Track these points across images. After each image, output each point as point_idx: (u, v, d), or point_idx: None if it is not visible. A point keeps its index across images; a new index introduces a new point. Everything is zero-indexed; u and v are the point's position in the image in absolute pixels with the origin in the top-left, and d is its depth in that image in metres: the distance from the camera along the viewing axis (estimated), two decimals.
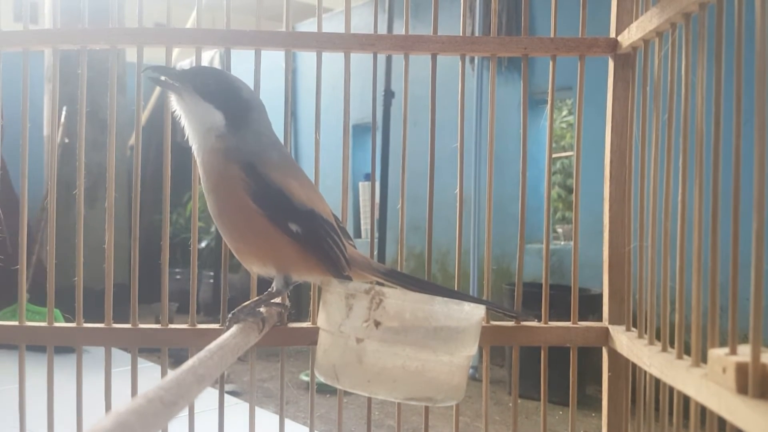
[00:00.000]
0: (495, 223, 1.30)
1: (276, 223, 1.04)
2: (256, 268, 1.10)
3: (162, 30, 1.26)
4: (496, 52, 1.27)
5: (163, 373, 1.23)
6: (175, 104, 1.10)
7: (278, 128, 1.15)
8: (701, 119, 0.87)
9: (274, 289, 1.10)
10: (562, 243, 4.43)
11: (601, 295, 1.29)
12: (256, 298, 1.11)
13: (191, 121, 1.08)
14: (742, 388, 0.72)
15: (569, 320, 1.26)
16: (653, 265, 1.04)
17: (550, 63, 1.28)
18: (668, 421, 0.98)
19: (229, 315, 1.06)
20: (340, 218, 1.27)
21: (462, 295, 1.10)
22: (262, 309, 1.10)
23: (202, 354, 0.78)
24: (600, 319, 1.28)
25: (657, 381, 0.98)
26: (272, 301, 1.13)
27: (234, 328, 0.97)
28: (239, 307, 1.07)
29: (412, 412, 2.85)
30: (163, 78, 1.07)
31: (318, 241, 1.06)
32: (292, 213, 1.04)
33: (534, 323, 1.26)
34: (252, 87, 1.27)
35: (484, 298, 1.22)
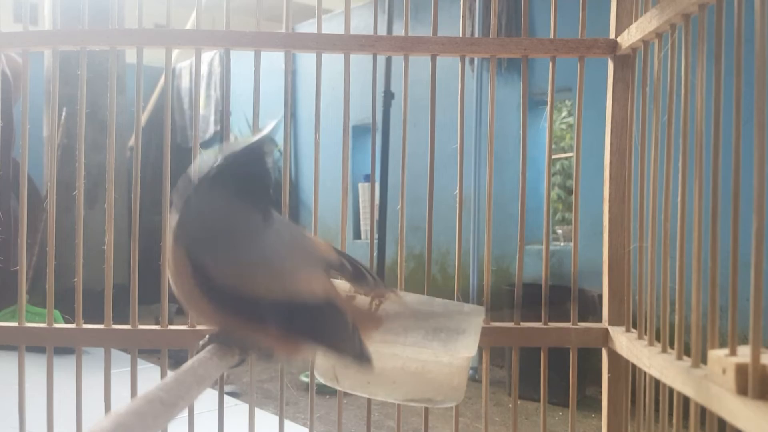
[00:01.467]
0: (495, 223, 1.30)
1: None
2: None
3: (162, 31, 1.26)
4: (496, 53, 1.27)
5: (163, 374, 1.23)
6: None
7: (278, 130, 1.14)
8: (701, 120, 0.87)
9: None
10: (562, 244, 4.43)
11: (600, 296, 1.29)
12: None
13: None
14: (742, 389, 0.72)
15: (569, 321, 1.26)
16: (653, 266, 1.04)
17: (550, 64, 1.28)
18: (668, 422, 0.98)
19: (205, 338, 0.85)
20: (340, 220, 1.26)
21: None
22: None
23: (201, 355, 0.77)
24: (600, 320, 1.28)
25: (657, 382, 0.98)
26: None
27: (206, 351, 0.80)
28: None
29: (412, 413, 2.84)
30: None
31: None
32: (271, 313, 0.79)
33: (534, 324, 1.26)
34: (252, 88, 1.27)
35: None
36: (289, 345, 0.82)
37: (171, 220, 0.81)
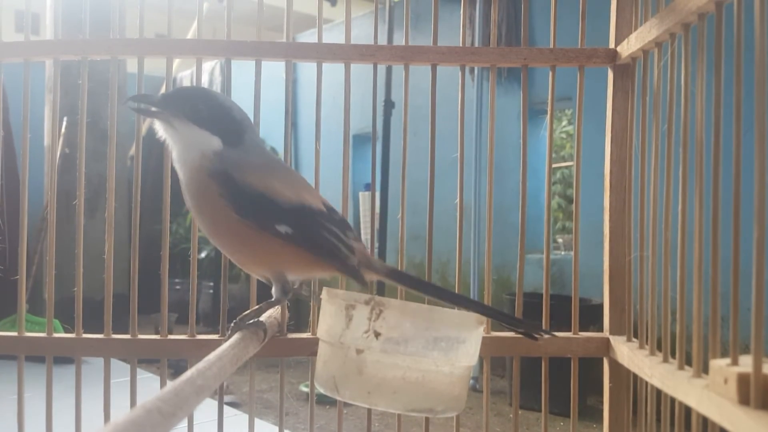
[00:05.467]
0: (495, 232, 1.30)
1: (264, 228, 1.01)
2: (261, 275, 1.10)
3: (163, 41, 1.26)
4: (496, 62, 1.27)
5: (162, 384, 1.23)
6: (162, 131, 1.05)
7: (279, 138, 1.15)
8: (701, 129, 0.87)
9: (273, 297, 1.09)
10: (563, 253, 4.43)
11: (601, 306, 1.28)
12: (256, 307, 1.10)
13: (184, 148, 1.04)
14: (743, 399, 0.71)
15: (570, 330, 1.26)
16: (654, 275, 1.03)
17: (550, 73, 1.29)
18: None
19: (231, 324, 1.05)
20: None
21: (468, 301, 1.10)
22: (263, 318, 1.09)
23: (201, 365, 0.77)
24: (601, 329, 1.28)
25: (658, 392, 0.98)
26: (271, 310, 1.13)
27: (234, 338, 0.96)
28: (241, 316, 1.07)
29: (413, 423, 2.83)
30: (153, 109, 1.03)
31: (312, 236, 1.03)
32: (278, 214, 1.02)
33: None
34: (252, 98, 1.27)
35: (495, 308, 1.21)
36: (301, 256, 1.02)
37: (201, 171, 1.02)
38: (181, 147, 1.04)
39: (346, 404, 1.10)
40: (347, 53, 1.26)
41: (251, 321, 1.06)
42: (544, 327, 1.26)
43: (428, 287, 1.09)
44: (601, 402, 1.26)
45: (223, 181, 1.00)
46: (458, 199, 1.27)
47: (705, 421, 0.81)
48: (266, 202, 1.01)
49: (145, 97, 1.04)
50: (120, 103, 1.16)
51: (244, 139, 1.05)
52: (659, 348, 1.01)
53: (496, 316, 1.11)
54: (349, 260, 1.04)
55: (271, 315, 1.18)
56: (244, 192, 1.00)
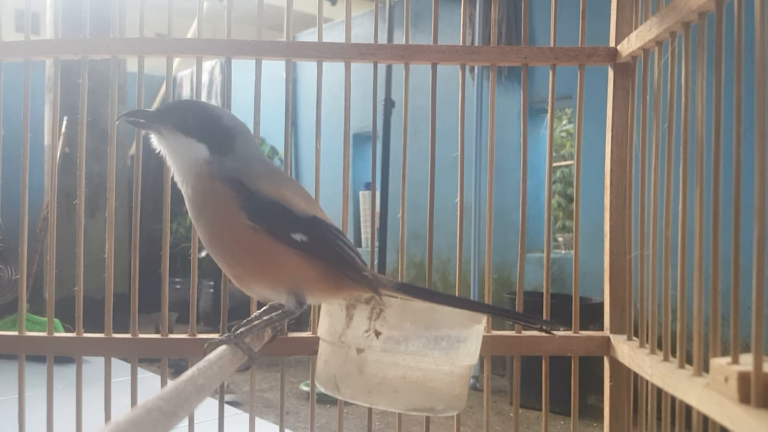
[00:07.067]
0: (495, 231, 1.30)
1: (278, 237, 0.97)
2: (261, 292, 1.02)
3: (163, 40, 1.26)
4: (496, 61, 1.27)
5: (163, 383, 1.23)
6: (156, 143, 1.05)
7: (279, 137, 1.15)
8: (701, 128, 0.87)
9: (286, 308, 1.01)
10: (563, 252, 4.43)
11: (602, 304, 1.28)
12: (266, 317, 1.02)
13: (175, 158, 1.03)
14: (744, 398, 0.71)
15: (570, 329, 1.26)
16: (654, 274, 1.03)
17: (550, 72, 1.29)
18: (670, 431, 0.97)
19: (231, 331, 0.98)
20: (341, 227, 1.26)
21: (485, 307, 1.09)
22: (248, 340, 0.98)
23: (201, 364, 0.77)
24: (601, 328, 1.28)
25: (659, 390, 0.98)
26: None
27: (216, 353, 0.87)
28: (243, 329, 0.98)
29: (413, 422, 2.83)
30: (141, 121, 1.02)
31: (328, 245, 0.99)
32: (293, 222, 0.98)
33: (535, 332, 1.25)
34: (252, 97, 1.27)
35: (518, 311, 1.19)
36: (316, 266, 0.99)
37: (202, 176, 1.00)
38: (172, 156, 1.04)
39: (346, 403, 1.10)
40: (347, 52, 1.26)
41: (248, 337, 0.97)
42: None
43: (442, 297, 1.04)
44: (602, 401, 1.26)
45: (236, 187, 0.97)
46: (458, 198, 1.27)
47: (705, 419, 0.81)
48: (280, 209, 0.98)
49: (139, 113, 1.03)
50: (115, 120, 1.16)
51: (235, 146, 1.02)
52: (660, 347, 1.01)
53: (519, 318, 1.09)
54: (366, 272, 1.00)
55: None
56: (257, 198, 0.97)
